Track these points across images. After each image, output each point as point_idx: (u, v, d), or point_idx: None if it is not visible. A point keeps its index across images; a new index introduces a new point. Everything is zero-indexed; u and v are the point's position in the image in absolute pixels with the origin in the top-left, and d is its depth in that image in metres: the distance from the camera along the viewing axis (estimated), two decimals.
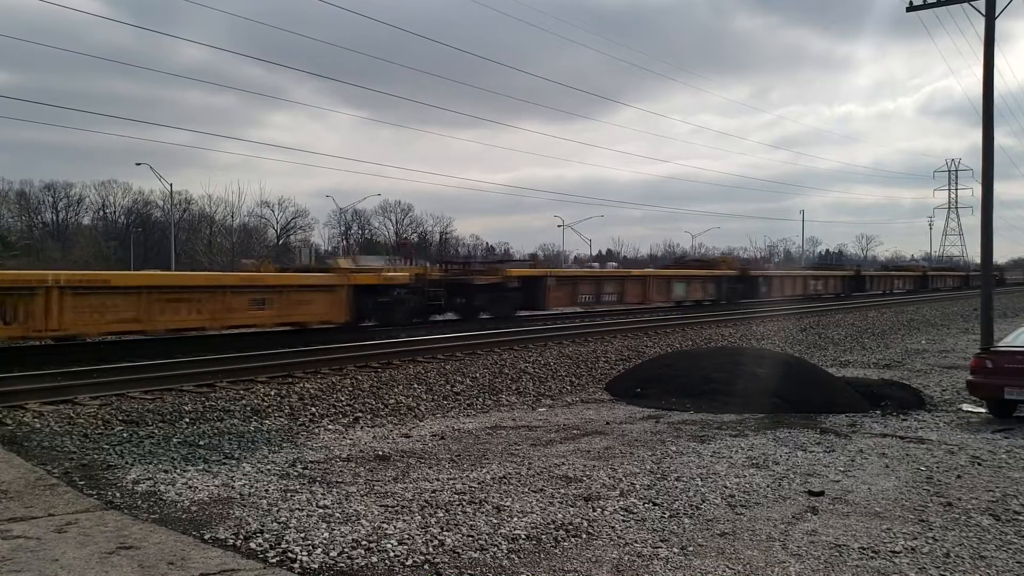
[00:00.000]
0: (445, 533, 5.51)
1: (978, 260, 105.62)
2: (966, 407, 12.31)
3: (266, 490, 6.65)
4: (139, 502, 6.18)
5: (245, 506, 6.14)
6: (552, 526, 5.74)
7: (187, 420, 9.67)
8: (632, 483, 7.07)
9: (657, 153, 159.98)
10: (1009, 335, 12.85)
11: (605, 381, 14.69)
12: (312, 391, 11.47)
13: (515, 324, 22.71)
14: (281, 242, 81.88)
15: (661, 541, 5.48)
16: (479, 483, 7.00)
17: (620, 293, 28.74)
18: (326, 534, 5.43)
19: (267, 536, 5.36)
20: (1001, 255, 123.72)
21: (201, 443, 8.61)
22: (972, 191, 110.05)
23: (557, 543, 5.42)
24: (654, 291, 30.34)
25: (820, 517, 6.13)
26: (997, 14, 17.91)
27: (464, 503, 6.31)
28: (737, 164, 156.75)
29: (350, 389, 11.86)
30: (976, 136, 18.77)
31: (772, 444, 9.05)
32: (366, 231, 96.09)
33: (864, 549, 5.37)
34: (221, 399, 10.63)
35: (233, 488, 6.68)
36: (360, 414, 10.85)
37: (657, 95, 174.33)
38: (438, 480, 7.11)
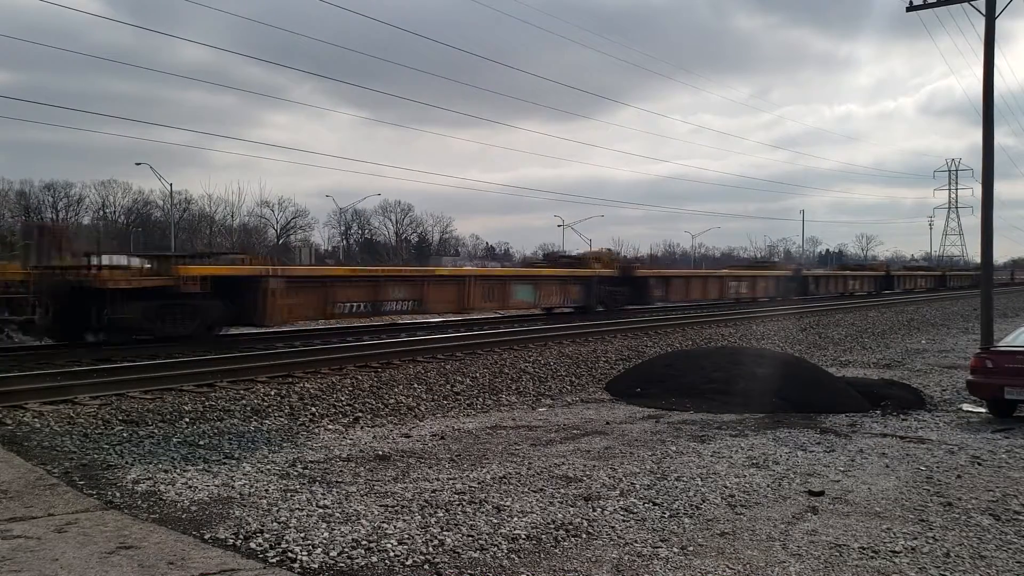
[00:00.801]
0: (445, 533, 5.51)
1: (975, 260, 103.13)
2: (966, 407, 12.32)
3: (266, 490, 6.65)
4: (139, 502, 6.18)
5: (245, 506, 6.14)
6: (552, 526, 5.74)
7: (187, 420, 9.67)
8: (632, 483, 7.07)
9: (657, 153, 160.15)
10: (1009, 335, 12.85)
11: (605, 381, 14.69)
12: (312, 391, 11.47)
13: (515, 324, 22.63)
14: (281, 242, 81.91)
15: (661, 541, 5.47)
16: (479, 483, 7.00)
17: (416, 299, 20.65)
18: (326, 534, 5.43)
19: (267, 536, 5.36)
20: (1001, 255, 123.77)
21: (201, 443, 8.61)
22: (972, 191, 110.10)
23: (557, 543, 5.42)
24: (477, 296, 22.44)
25: (820, 517, 6.13)
26: (997, 14, 17.90)
27: (464, 503, 6.31)
28: (737, 164, 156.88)
29: (350, 389, 11.86)
30: (976, 136, 18.78)
31: (772, 444, 9.05)
32: (366, 231, 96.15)
33: (864, 549, 5.37)
34: (221, 399, 10.63)
35: (233, 488, 6.68)
36: (360, 414, 10.85)
37: (657, 95, 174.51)
38: (438, 480, 7.11)
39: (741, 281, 36.89)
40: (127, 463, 7.52)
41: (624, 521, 5.94)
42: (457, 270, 28.38)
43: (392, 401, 11.64)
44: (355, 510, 6.05)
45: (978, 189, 22.10)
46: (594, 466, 7.73)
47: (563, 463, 7.85)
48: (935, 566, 5.07)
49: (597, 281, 27.31)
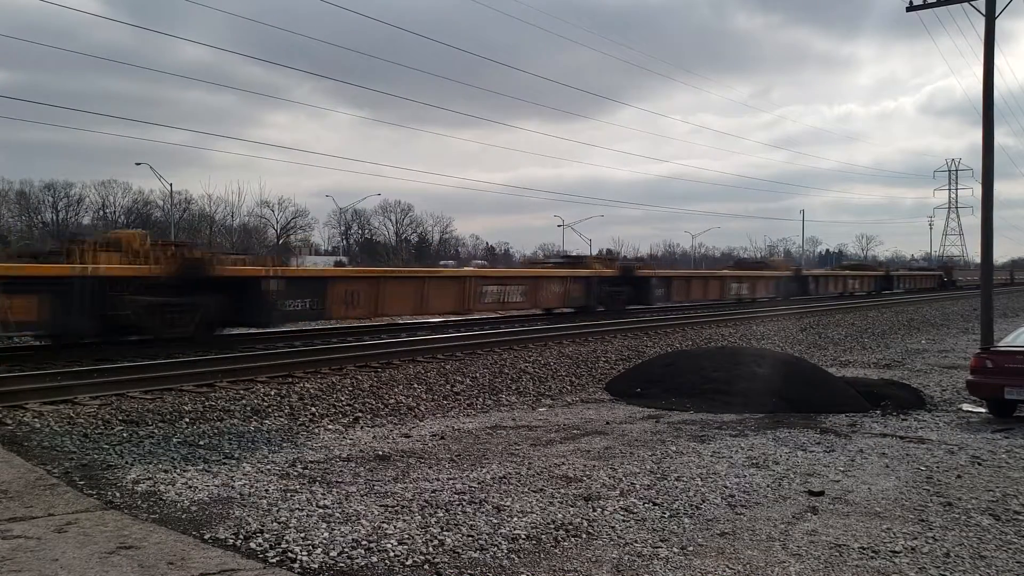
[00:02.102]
0: (445, 533, 5.51)
1: (975, 260, 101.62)
2: (966, 407, 12.32)
3: (266, 490, 6.65)
4: (139, 502, 6.18)
5: (245, 506, 6.14)
6: (552, 526, 5.74)
7: (187, 420, 9.67)
8: (632, 483, 7.07)
9: (657, 153, 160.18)
10: (1009, 335, 12.85)
11: (605, 381, 14.69)
12: (312, 391, 11.47)
13: (515, 324, 22.61)
14: (281, 242, 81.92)
15: (661, 541, 5.47)
16: (479, 483, 7.00)
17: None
18: (326, 534, 5.43)
19: (267, 536, 5.36)
20: (1001, 255, 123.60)
21: (201, 443, 8.61)
22: (972, 191, 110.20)
23: (557, 543, 5.42)
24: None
25: (820, 517, 6.13)
26: (997, 14, 17.90)
27: (464, 503, 6.31)
28: (737, 164, 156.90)
29: (350, 389, 11.86)
30: (976, 136, 18.78)
31: (772, 444, 9.05)
32: (366, 231, 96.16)
33: (864, 549, 5.37)
34: (221, 399, 10.63)
35: (233, 488, 6.68)
36: (360, 414, 10.85)
37: (657, 95, 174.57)
38: (438, 480, 7.11)
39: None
40: (127, 463, 7.52)
41: (624, 521, 5.94)
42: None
43: (392, 401, 11.64)
44: (355, 510, 6.05)
45: (978, 189, 22.12)
46: (594, 466, 7.73)
47: (563, 463, 7.85)
48: (935, 566, 5.07)
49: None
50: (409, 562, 4.97)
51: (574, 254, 36.39)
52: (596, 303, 26.58)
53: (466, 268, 34.86)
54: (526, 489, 6.81)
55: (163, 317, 14.83)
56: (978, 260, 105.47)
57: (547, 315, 25.97)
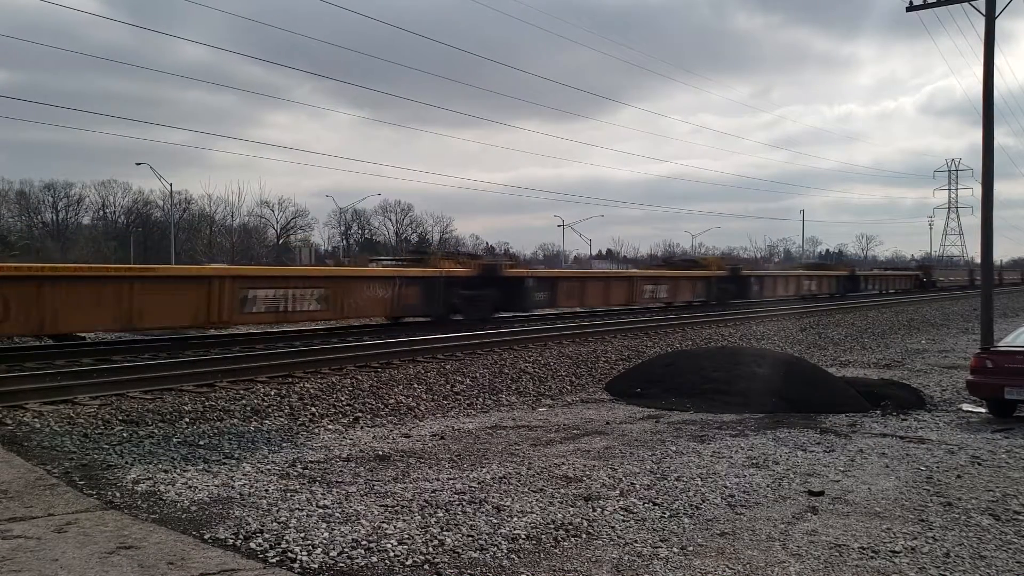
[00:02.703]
0: (445, 533, 5.51)
1: (969, 260, 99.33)
2: (966, 407, 12.32)
3: (266, 490, 6.65)
4: (139, 502, 6.18)
5: (245, 506, 6.14)
6: (552, 526, 5.74)
7: (187, 420, 9.67)
8: (632, 483, 7.07)
9: (657, 153, 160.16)
10: (1009, 335, 12.86)
11: (605, 381, 14.69)
12: (312, 391, 11.47)
13: (515, 324, 22.68)
14: (281, 242, 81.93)
15: (661, 541, 5.47)
16: (479, 483, 7.00)
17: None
18: (326, 534, 5.43)
19: (267, 536, 5.36)
20: (1001, 255, 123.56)
21: (201, 443, 8.61)
22: (972, 191, 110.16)
23: (557, 543, 5.42)
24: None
25: (820, 517, 6.13)
26: (997, 14, 17.91)
27: (464, 503, 6.31)
28: (737, 164, 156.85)
29: (350, 389, 11.86)
30: (976, 136, 18.79)
31: (772, 444, 9.05)
32: (366, 231, 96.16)
33: (864, 549, 5.37)
34: (221, 399, 10.63)
35: (233, 488, 6.68)
36: (360, 414, 10.85)
37: (657, 95, 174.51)
38: (438, 480, 7.11)
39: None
40: (127, 463, 7.52)
41: (624, 521, 5.94)
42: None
43: (392, 401, 11.64)
44: (355, 510, 6.05)
45: (978, 189, 22.11)
46: (594, 466, 7.73)
47: (563, 463, 7.85)
48: (935, 566, 5.07)
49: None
50: (409, 562, 4.97)
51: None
52: (446, 310, 21.62)
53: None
54: (526, 489, 6.81)
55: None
56: (959, 259, 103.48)
57: (561, 315, 26.70)
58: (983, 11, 18.02)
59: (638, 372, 14.73)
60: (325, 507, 6.12)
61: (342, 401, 11.28)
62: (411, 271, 21.14)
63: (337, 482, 7.03)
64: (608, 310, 28.24)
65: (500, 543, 5.34)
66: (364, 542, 5.28)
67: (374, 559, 5.00)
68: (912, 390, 13.63)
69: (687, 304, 32.00)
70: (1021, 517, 6.23)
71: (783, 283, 37.25)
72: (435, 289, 20.89)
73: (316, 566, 4.86)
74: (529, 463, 7.84)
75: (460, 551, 5.18)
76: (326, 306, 17.95)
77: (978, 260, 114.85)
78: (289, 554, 5.02)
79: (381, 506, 6.19)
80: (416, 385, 12.58)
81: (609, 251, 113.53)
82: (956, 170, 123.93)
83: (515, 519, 5.89)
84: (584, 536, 5.57)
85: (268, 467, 7.60)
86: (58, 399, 9.93)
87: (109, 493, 6.39)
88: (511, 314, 24.18)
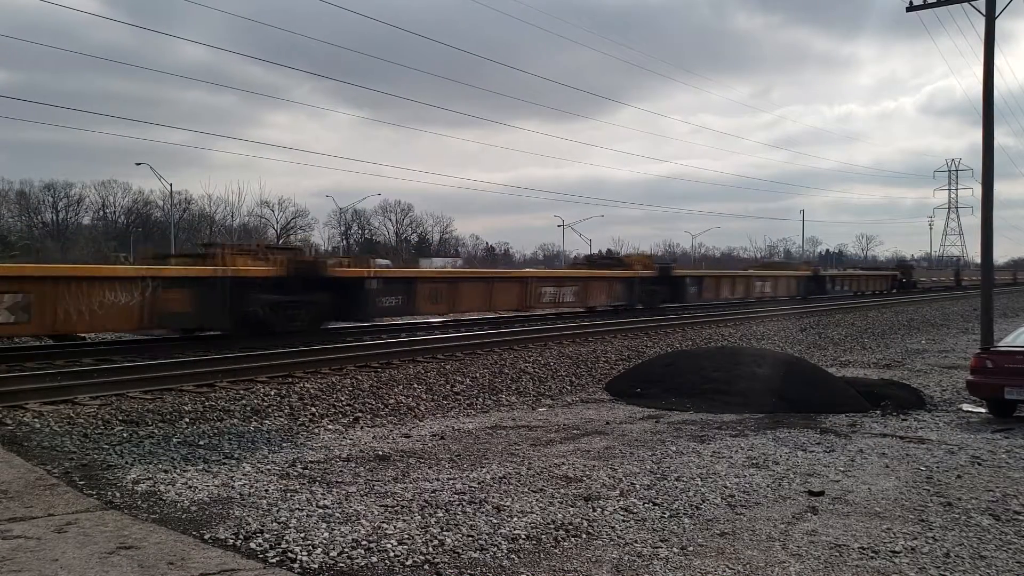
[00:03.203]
0: (445, 533, 5.51)
1: (965, 260, 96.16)
2: (966, 407, 12.31)
3: (266, 490, 6.65)
4: (139, 502, 6.18)
5: (245, 506, 6.14)
6: (552, 526, 5.74)
7: (187, 420, 9.67)
8: (632, 483, 7.07)
9: (657, 153, 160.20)
10: (1009, 335, 12.85)
11: (605, 381, 14.69)
12: (312, 391, 11.47)
13: (515, 324, 22.68)
14: (281, 242, 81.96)
15: (661, 541, 5.47)
16: (479, 483, 7.00)
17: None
18: (326, 534, 5.43)
19: (267, 536, 5.36)
20: (1001, 255, 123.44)
21: (201, 443, 8.61)
22: (972, 191, 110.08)
23: (557, 543, 5.42)
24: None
25: (820, 517, 6.13)
26: (997, 14, 17.90)
27: (464, 503, 6.31)
28: (737, 164, 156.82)
29: (350, 389, 11.86)
30: (976, 136, 18.79)
31: (772, 444, 9.05)
32: (366, 231, 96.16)
33: (864, 549, 5.37)
34: (221, 399, 10.63)
35: (233, 488, 6.68)
36: (360, 414, 10.85)
37: (657, 95, 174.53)
38: (438, 480, 7.11)
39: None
40: (127, 463, 7.52)
41: (624, 521, 5.94)
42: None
43: (392, 401, 11.64)
44: (355, 510, 6.05)
45: (978, 189, 22.11)
46: (594, 466, 7.73)
47: (563, 463, 7.85)
48: (935, 566, 5.07)
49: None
50: (409, 562, 4.97)
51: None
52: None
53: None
54: (526, 489, 6.81)
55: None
56: (958, 258, 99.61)
57: (561, 315, 26.21)
58: (983, 11, 18.02)
59: (638, 372, 14.72)
60: (325, 507, 6.12)
61: (342, 401, 11.28)
62: (170, 270, 15.85)
63: (337, 482, 7.03)
64: (492, 318, 24.19)
65: (500, 543, 5.34)
66: (364, 542, 5.28)
67: (374, 559, 5.00)
68: (912, 390, 13.62)
69: (612, 309, 27.62)
70: (1021, 517, 6.23)
71: (728, 285, 32.46)
72: (216, 294, 15.72)
73: (316, 566, 4.86)
74: (529, 463, 7.84)
75: (460, 551, 5.18)
76: (26, 317, 12.98)
77: (964, 260, 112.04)
78: (289, 554, 5.02)
79: (381, 506, 6.19)
80: (416, 385, 12.58)
81: (609, 251, 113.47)
82: (956, 170, 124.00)
83: (515, 519, 5.89)
84: (584, 536, 5.57)
85: (268, 467, 7.60)
86: (58, 399, 9.93)
87: (109, 493, 6.39)
88: (349, 324, 19.63)
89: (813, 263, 59.74)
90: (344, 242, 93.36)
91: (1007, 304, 41.33)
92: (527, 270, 34.69)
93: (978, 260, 21.75)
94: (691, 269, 36.73)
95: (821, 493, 6.81)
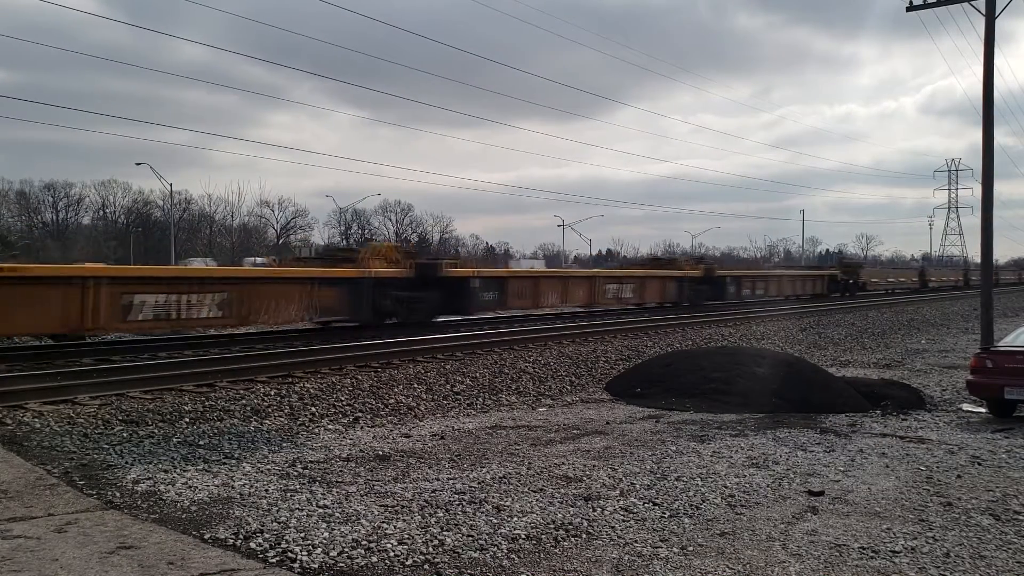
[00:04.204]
0: (445, 533, 5.51)
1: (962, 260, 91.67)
2: (966, 407, 12.32)
3: (266, 490, 6.65)
4: (139, 502, 6.18)
5: (245, 506, 6.14)
6: (552, 526, 5.74)
7: (187, 420, 9.67)
8: (632, 483, 7.07)
9: (657, 153, 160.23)
10: (1009, 335, 12.86)
11: (605, 381, 14.69)
12: (312, 391, 11.47)
13: (515, 324, 22.70)
14: (281, 242, 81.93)
15: (661, 541, 5.47)
16: (479, 483, 7.00)
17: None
18: (326, 534, 5.43)
19: (267, 536, 5.36)
20: (1001, 255, 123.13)
21: (201, 443, 8.61)
22: (972, 191, 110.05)
23: (557, 543, 5.42)
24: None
25: (820, 517, 6.13)
26: (997, 14, 17.91)
27: (464, 503, 6.31)
28: (737, 164, 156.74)
29: (350, 389, 11.86)
30: (976, 136, 18.79)
31: (772, 444, 9.05)
32: (366, 231, 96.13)
33: (864, 549, 5.37)
34: (221, 399, 10.63)
35: (233, 488, 6.68)
36: (360, 414, 10.85)
37: (658, 95, 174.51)
38: (438, 480, 7.11)
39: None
40: (127, 463, 7.52)
41: (624, 521, 5.94)
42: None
43: (392, 401, 11.64)
44: (355, 510, 6.05)
45: (978, 189, 22.09)
46: (594, 466, 7.73)
47: (563, 463, 7.85)
48: (935, 566, 5.07)
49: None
50: (409, 562, 4.97)
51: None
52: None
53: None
54: (526, 489, 6.81)
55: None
56: (958, 258, 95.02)
57: (552, 316, 26.80)
58: (983, 11, 18.02)
59: (638, 372, 14.73)
60: (325, 507, 6.12)
61: (342, 401, 11.28)
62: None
63: (337, 482, 7.03)
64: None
65: (500, 543, 5.34)
66: (364, 542, 5.28)
67: (374, 559, 5.00)
68: (912, 390, 13.63)
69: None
70: (1021, 517, 6.23)
71: (574, 286, 26.59)
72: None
73: (316, 566, 4.86)
74: (529, 463, 7.84)
75: (460, 551, 5.18)
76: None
77: (956, 258, 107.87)
78: (289, 554, 5.02)
79: (381, 506, 6.19)
80: (416, 385, 12.58)
81: (609, 251, 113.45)
82: (956, 170, 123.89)
83: (515, 519, 5.89)
84: (584, 536, 5.57)
85: (268, 467, 7.60)
86: (58, 399, 9.93)
87: (109, 493, 6.39)
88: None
89: (708, 260, 41.78)
90: (344, 242, 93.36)
91: (1007, 304, 41.34)
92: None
93: (978, 260, 21.77)
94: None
95: (821, 493, 6.81)
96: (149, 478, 6.92)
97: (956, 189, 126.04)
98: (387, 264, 20.28)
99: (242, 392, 11.11)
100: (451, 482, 7.01)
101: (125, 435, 8.72)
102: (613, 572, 4.89)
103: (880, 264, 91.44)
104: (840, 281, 44.93)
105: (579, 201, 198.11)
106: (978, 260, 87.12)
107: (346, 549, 5.14)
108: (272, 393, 11.13)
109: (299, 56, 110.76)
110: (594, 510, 6.18)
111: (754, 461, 8.08)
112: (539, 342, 17.75)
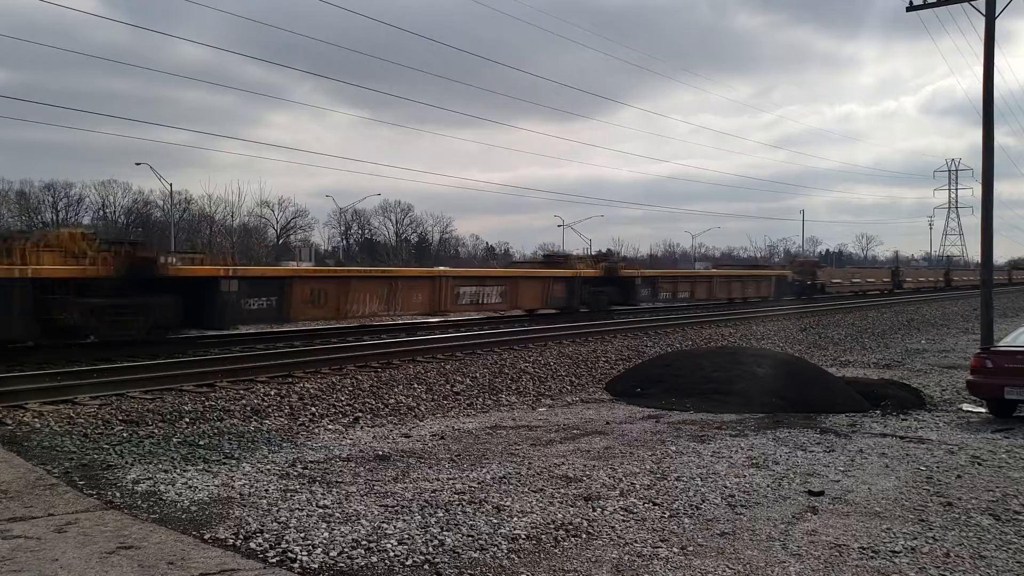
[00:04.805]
0: (445, 533, 5.51)
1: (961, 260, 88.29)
2: (966, 407, 12.32)
3: (266, 490, 6.65)
4: (139, 502, 6.18)
5: (245, 506, 6.14)
6: (552, 526, 5.74)
7: (187, 420, 9.67)
8: (632, 483, 7.07)
9: (657, 153, 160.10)
10: (1009, 335, 12.86)
11: (605, 381, 14.69)
12: (312, 391, 11.47)
13: (515, 324, 22.67)
14: (281, 242, 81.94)
15: (661, 541, 5.47)
16: (479, 483, 7.00)
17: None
18: (326, 534, 5.43)
19: (267, 536, 5.36)
20: (1001, 255, 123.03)
21: (201, 443, 8.61)
22: (972, 191, 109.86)
23: (557, 543, 5.42)
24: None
25: (820, 517, 6.13)
26: (997, 14, 17.90)
27: (464, 503, 6.31)
28: (737, 164, 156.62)
29: (350, 389, 11.86)
30: (976, 136, 18.79)
31: (772, 444, 9.05)
32: (366, 231, 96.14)
33: (864, 549, 5.37)
34: (221, 399, 10.63)
35: (233, 488, 6.68)
36: (360, 414, 10.85)
37: (658, 94, 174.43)
38: (438, 480, 7.11)
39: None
40: (127, 463, 7.52)
41: (624, 521, 5.94)
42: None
43: (392, 401, 11.64)
44: (355, 510, 6.05)
45: (978, 189, 22.08)
46: (594, 466, 7.73)
47: (563, 463, 7.85)
48: (935, 566, 5.07)
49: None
50: (409, 562, 4.97)
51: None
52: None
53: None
54: (526, 489, 6.81)
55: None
56: (959, 258, 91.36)
57: (545, 316, 25.83)
58: (983, 11, 18.02)
59: (638, 372, 14.73)
60: (325, 507, 6.12)
61: (342, 401, 11.28)
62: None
63: (337, 482, 7.03)
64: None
65: (500, 543, 5.34)
66: (364, 542, 5.28)
67: (374, 559, 5.00)
68: (912, 390, 13.63)
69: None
70: (1021, 517, 6.23)
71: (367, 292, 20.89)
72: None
73: (316, 566, 4.86)
74: (529, 463, 7.84)
75: (460, 551, 5.18)
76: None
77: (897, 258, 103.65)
78: (289, 554, 5.02)
79: (381, 506, 6.19)
80: (416, 385, 12.58)
81: (609, 251, 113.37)
82: (956, 170, 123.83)
83: (515, 519, 5.89)
84: (584, 536, 5.57)
85: (268, 467, 7.60)
86: (58, 399, 9.93)
87: (109, 493, 6.39)
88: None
89: (614, 258, 33.92)
90: (344, 242, 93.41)
91: (1007, 304, 41.34)
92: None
93: (976, 259, 21.68)
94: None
95: (821, 493, 6.81)
96: (149, 478, 6.92)
97: (956, 189, 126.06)
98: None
99: (242, 392, 11.11)
100: (451, 482, 7.01)
101: (125, 435, 8.72)
102: (613, 572, 4.89)
103: (852, 263, 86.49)
104: (794, 283, 40.02)
105: (579, 201, 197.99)
106: (965, 259, 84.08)
107: (346, 549, 5.14)
108: (272, 393, 11.13)
109: (298, 56, 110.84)
110: (594, 510, 6.19)
111: (754, 461, 8.08)
112: (539, 342, 17.75)
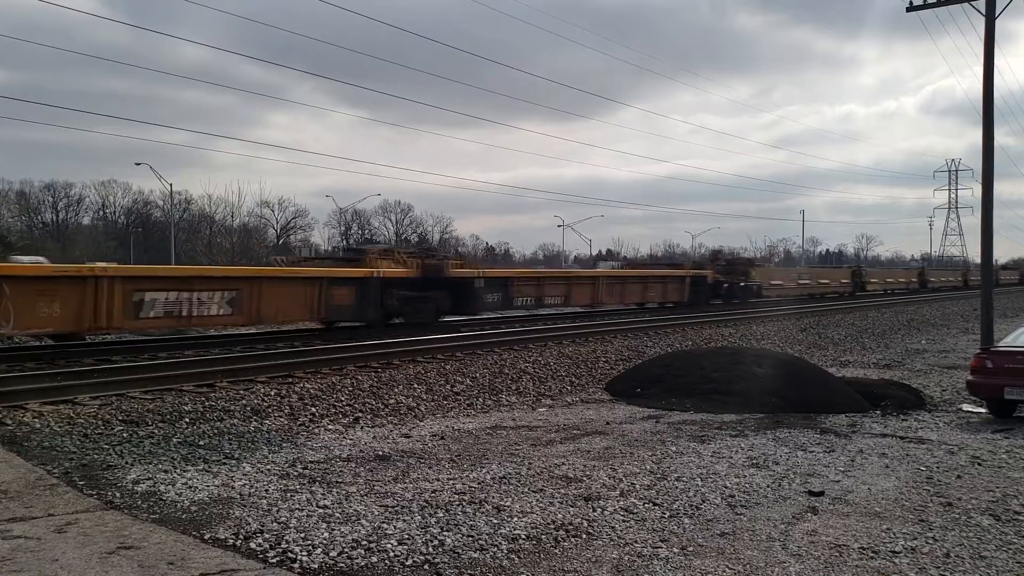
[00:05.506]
0: (445, 533, 5.51)
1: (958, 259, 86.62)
2: (966, 407, 12.32)
3: (266, 490, 6.65)
4: (139, 502, 6.18)
5: (245, 506, 6.14)
6: (552, 526, 5.74)
7: (187, 420, 9.67)
8: (632, 483, 7.07)
9: (656, 153, 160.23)
10: (1009, 335, 12.86)
11: (605, 381, 14.69)
12: (312, 391, 11.47)
13: (516, 324, 22.67)
14: (281, 242, 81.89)
15: (661, 541, 5.47)
16: (479, 483, 7.00)
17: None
18: (326, 534, 5.43)
19: (267, 536, 5.36)
20: (1001, 255, 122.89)
21: (201, 443, 8.61)
22: (972, 191, 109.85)
23: (557, 543, 5.42)
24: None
25: (820, 517, 6.13)
26: (997, 14, 17.91)
27: (464, 503, 6.31)
28: (737, 164, 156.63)
29: (350, 389, 11.85)
30: (976, 136, 18.80)
31: (772, 444, 9.05)
32: (366, 231, 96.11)
33: (864, 549, 5.37)
34: (221, 399, 10.63)
35: (233, 488, 6.68)
36: (360, 414, 10.85)
37: (657, 94, 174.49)
38: (438, 480, 7.11)
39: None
40: (127, 463, 7.52)
41: (624, 521, 5.93)
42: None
43: (392, 401, 11.64)
44: (355, 510, 6.05)
45: (978, 189, 22.08)
46: (594, 466, 7.73)
47: (563, 463, 7.85)
48: (935, 566, 5.07)
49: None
50: (409, 562, 4.97)
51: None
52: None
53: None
54: (526, 489, 6.81)
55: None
56: (959, 258, 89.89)
57: (561, 315, 25.94)
58: (983, 11, 18.02)
59: (638, 372, 14.73)
60: (325, 507, 6.12)
61: (342, 401, 11.27)
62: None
63: (337, 482, 7.03)
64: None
65: (500, 543, 5.34)
66: (364, 542, 5.28)
67: (374, 559, 5.00)
68: (912, 390, 13.63)
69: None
70: (1021, 517, 6.23)
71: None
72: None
73: (316, 566, 4.86)
74: (529, 463, 7.84)
75: (460, 551, 5.18)
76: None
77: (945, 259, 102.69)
78: (289, 554, 5.02)
79: (381, 506, 6.19)
80: (416, 385, 12.58)
81: (609, 251, 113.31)
82: (956, 170, 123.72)
83: (515, 519, 5.89)
84: (584, 536, 5.57)
85: (268, 467, 7.60)
86: (58, 399, 9.92)
87: (109, 493, 6.39)
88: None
89: (439, 253, 25.81)
90: (344, 242, 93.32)
91: (1007, 304, 41.34)
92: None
93: (976, 259, 21.68)
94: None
95: (821, 493, 6.81)
96: (149, 478, 6.92)
97: (956, 189, 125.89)
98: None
99: (242, 392, 11.10)
100: (451, 482, 7.01)
101: (125, 435, 8.72)
102: (613, 572, 4.89)
103: (801, 261, 78.88)
104: (718, 284, 33.76)
105: (579, 201, 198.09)
106: (965, 259, 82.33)
107: (346, 549, 5.14)
108: (272, 393, 11.13)
109: (298, 56, 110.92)
110: (594, 510, 6.18)
111: (754, 461, 8.08)
112: (539, 342, 17.75)
